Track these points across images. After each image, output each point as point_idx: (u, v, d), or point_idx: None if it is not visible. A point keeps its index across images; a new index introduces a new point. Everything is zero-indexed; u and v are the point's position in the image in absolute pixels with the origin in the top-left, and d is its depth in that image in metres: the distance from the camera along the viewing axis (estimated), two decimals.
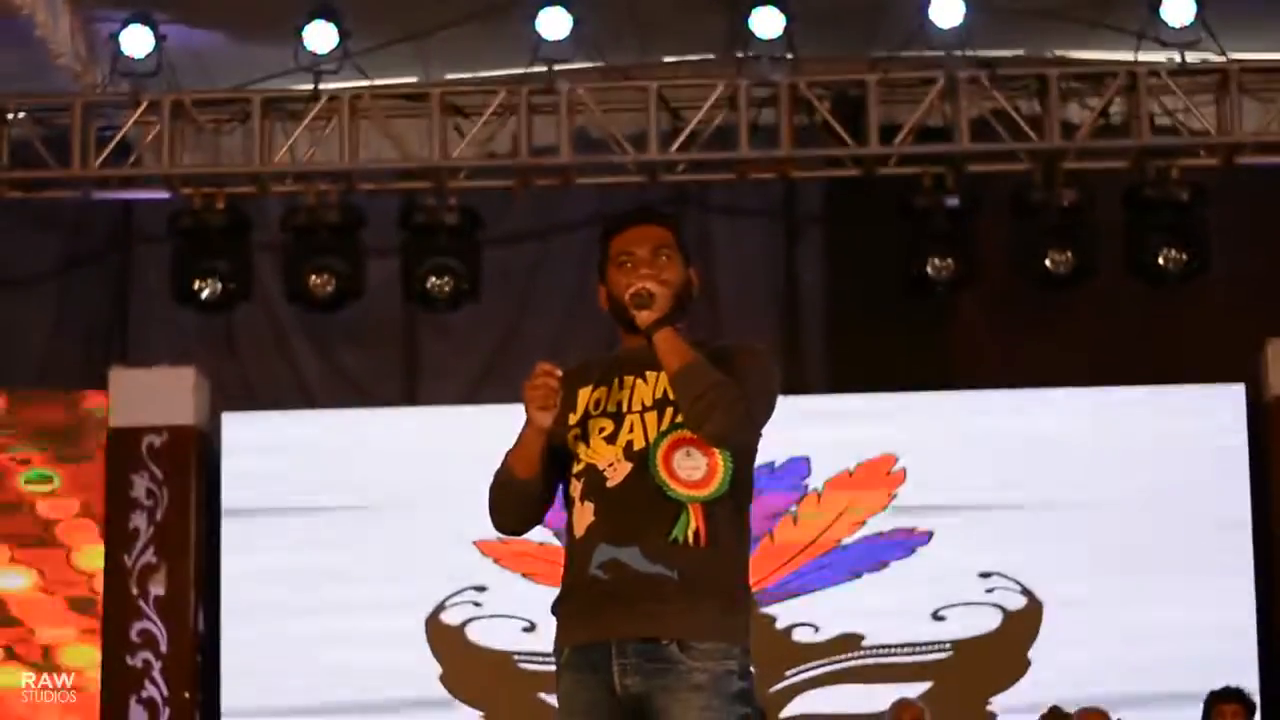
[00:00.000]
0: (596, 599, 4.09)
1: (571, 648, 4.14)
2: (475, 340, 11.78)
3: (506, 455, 4.21)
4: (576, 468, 4.19)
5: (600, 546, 4.09)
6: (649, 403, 4.17)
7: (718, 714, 4.03)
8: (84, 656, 10.98)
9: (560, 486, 4.26)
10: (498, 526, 4.32)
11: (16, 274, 11.98)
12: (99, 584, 11.05)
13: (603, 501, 4.12)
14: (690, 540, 4.07)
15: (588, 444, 4.18)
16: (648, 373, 4.19)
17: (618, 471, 4.12)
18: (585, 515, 4.13)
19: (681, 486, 4.09)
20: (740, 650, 4.10)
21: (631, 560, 4.07)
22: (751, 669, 4.13)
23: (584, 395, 4.23)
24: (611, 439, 4.16)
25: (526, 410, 4.12)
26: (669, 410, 4.14)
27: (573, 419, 4.21)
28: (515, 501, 4.24)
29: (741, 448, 4.17)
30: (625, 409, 4.19)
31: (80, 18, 10.57)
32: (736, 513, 4.17)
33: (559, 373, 4.12)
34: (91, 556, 11.07)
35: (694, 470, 4.10)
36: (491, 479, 4.25)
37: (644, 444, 4.13)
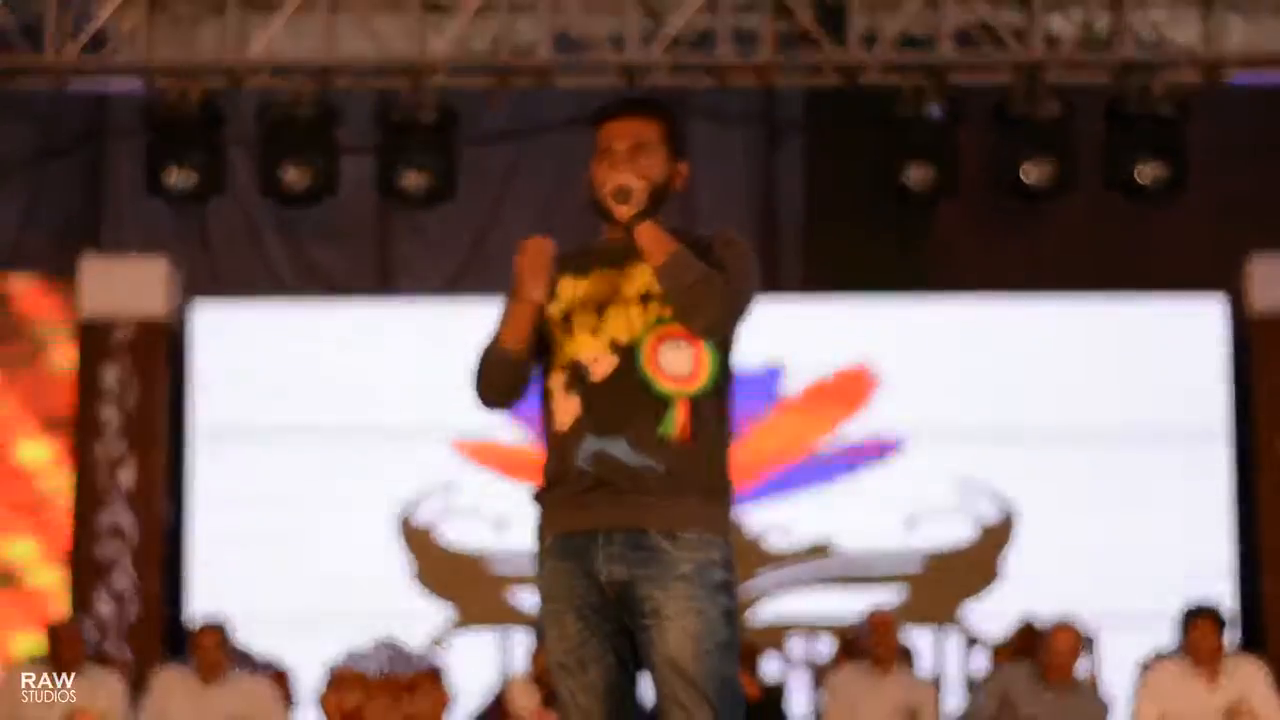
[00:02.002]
0: (583, 491, 4.11)
1: (555, 535, 4.15)
2: (449, 239, 11.75)
3: (495, 329, 4.19)
4: (559, 360, 4.19)
5: (587, 439, 4.10)
6: (632, 296, 4.17)
7: (702, 603, 4.05)
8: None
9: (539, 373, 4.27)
10: (485, 400, 4.28)
11: None
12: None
13: (588, 395, 4.13)
14: (676, 434, 4.09)
15: (571, 336, 4.18)
16: (629, 267, 4.18)
17: (602, 365, 4.13)
18: (570, 408, 4.13)
19: (668, 381, 4.11)
20: (723, 541, 4.13)
21: (619, 453, 4.09)
22: (733, 562, 4.14)
23: (566, 286, 4.22)
24: (596, 332, 4.15)
25: (520, 282, 4.11)
26: (653, 304, 4.14)
27: (555, 310, 4.21)
28: (505, 374, 4.21)
29: (726, 338, 4.17)
30: (608, 302, 4.18)
31: None
32: (720, 405, 4.19)
33: (551, 247, 4.13)
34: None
35: (680, 364, 4.12)
36: (480, 354, 4.23)
37: (629, 338, 4.13)
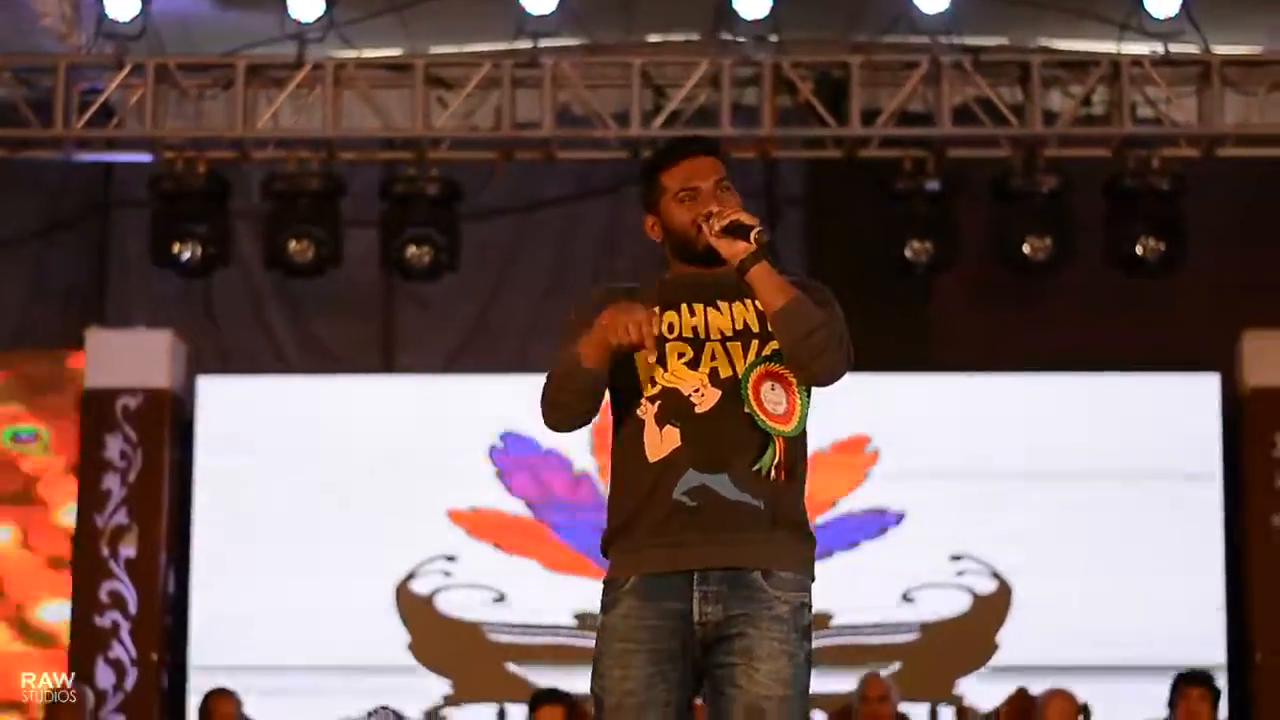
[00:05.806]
0: (679, 527, 4.04)
1: (640, 575, 4.07)
2: (453, 312, 11.79)
3: (567, 354, 4.06)
4: (650, 390, 4.10)
5: (689, 472, 4.03)
6: (729, 332, 4.11)
7: (792, 647, 4.02)
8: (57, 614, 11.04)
9: (614, 405, 4.17)
10: (552, 422, 4.14)
11: None
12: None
13: (690, 427, 4.05)
14: (772, 473, 4.05)
15: (665, 367, 4.09)
16: (720, 302, 4.13)
17: (706, 398, 4.06)
18: (668, 439, 4.06)
19: (770, 419, 4.05)
20: (811, 583, 4.11)
21: (720, 487, 4.03)
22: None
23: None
24: (693, 364, 4.09)
25: (606, 330, 3.96)
26: (754, 342, 4.09)
27: None
28: (578, 392, 4.08)
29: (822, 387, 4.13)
30: (704, 335, 4.11)
31: None
32: (805, 450, 4.16)
33: (655, 332, 3.98)
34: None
35: (777, 404, 4.08)
36: (548, 378, 4.10)
37: (731, 372, 4.07)
